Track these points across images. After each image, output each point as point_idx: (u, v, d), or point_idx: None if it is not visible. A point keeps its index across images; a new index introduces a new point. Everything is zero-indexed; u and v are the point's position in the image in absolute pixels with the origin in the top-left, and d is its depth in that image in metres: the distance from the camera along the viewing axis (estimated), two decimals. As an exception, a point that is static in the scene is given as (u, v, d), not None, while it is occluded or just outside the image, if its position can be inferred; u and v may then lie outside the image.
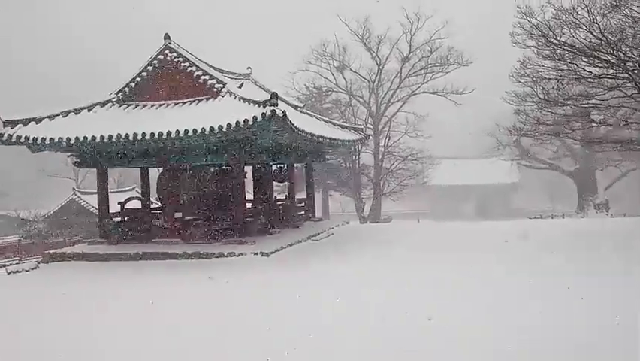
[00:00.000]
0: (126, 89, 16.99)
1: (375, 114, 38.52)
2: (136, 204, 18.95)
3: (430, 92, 38.12)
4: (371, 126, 37.58)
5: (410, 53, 37.59)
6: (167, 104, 16.50)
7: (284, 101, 19.34)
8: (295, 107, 20.92)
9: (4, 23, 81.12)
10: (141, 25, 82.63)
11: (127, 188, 39.10)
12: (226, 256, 14.39)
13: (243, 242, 15.34)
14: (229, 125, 13.75)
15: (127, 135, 14.62)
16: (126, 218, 17.84)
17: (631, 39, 15.85)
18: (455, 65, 37.01)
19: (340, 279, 11.39)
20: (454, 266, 12.29)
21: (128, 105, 16.82)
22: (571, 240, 15.72)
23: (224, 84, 16.26)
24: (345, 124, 24.08)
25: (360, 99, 39.36)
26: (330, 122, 22.20)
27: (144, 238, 16.99)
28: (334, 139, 19.02)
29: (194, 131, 14.04)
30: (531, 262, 12.37)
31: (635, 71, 16.06)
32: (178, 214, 17.03)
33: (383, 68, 38.49)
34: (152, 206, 19.39)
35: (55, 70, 77.01)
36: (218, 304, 9.70)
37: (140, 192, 22.68)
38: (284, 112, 13.61)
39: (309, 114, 21.32)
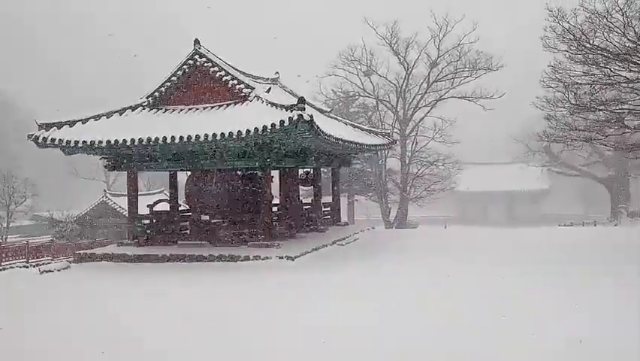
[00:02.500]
0: (156, 94, 17.27)
1: (403, 119, 38.30)
2: (164, 207, 19.22)
3: (459, 97, 37.70)
4: (398, 131, 37.39)
5: (439, 57, 37.25)
6: (197, 109, 16.72)
7: (311, 105, 19.40)
8: (322, 111, 20.95)
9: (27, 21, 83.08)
10: (161, 28, 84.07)
11: (155, 191, 39.69)
12: (252, 260, 14.48)
13: (268, 246, 15.41)
14: (256, 129, 13.85)
15: (157, 139, 14.84)
16: (155, 220, 18.11)
17: (667, 43, 15.45)
18: (484, 70, 36.54)
19: (363, 285, 11.32)
20: (478, 276, 12.11)
21: (158, 109, 17.09)
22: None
23: (253, 89, 16.39)
24: (371, 129, 24.01)
25: (388, 104, 39.20)
26: (357, 126, 22.16)
27: (172, 240, 17.23)
28: (361, 144, 18.98)
29: (223, 135, 14.18)
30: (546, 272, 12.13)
31: (672, 76, 15.63)
32: (205, 217, 17.21)
33: (411, 72, 38.25)
34: (179, 209, 19.63)
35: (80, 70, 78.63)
36: (236, 306, 9.70)
37: (168, 195, 23.01)
38: (311, 116, 13.65)
39: (336, 119, 21.32)
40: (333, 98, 39.47)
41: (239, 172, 18.07)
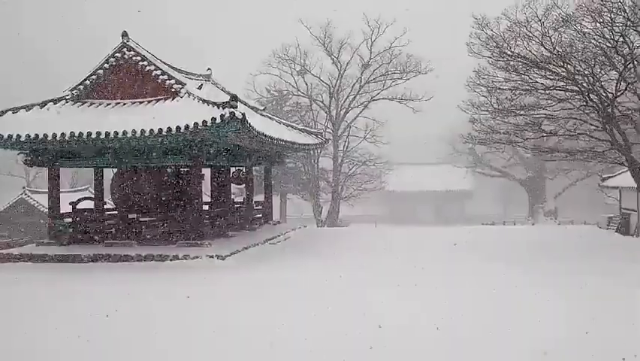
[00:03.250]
0: (81, 87, 16.55)
1: (335, 119, 38.79)
2: (89, 205, 18.45)
3: (389, 99, 38.66)
4: (331, 131, 37.82)
5: (370, 59, 38.06)
6: (124, 104, 16.15)
7: (244, 103, 19.24)
8: (255, 109, 20.83)
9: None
10: (94, 25, 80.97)
11: (80, 188, 38.03)
12: (181, 259, 14.19)
13: (199, 245, 15.16)
14: (187, 126, 13.60)
15: (80, 134, 14.25)
16: (78, 219, 17.33)
17: (580, 53, 16.57)
18: (414, 73, 37.68)
19: (294, 283, 11.38)
20: (407, 275, 12.49)
21: (83, 103, 16.38)
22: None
23: (184, 85, 16.05)
24: (305, 128, 24.13)
25: (321, 104, 39.58)
26: (290, 125, 22.20)
27: (96, 239, 16.58)
28: (294, 143, 19.04)
29: (151, 131, 13.81)
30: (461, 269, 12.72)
31: (584, 84, 16.77)
32: (132, 216, 16.71)
33: (344, 73, 38.84)
34: (105, 207, 18.91)
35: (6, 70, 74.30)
36: (159, 307, 9.51)
37: (93, 192, 22.09)
38: (243, 114, 13.55)
39: (269, 117, 21.26)
40: (267, 97, 39.34)
41: (168, 170, 17.65)
